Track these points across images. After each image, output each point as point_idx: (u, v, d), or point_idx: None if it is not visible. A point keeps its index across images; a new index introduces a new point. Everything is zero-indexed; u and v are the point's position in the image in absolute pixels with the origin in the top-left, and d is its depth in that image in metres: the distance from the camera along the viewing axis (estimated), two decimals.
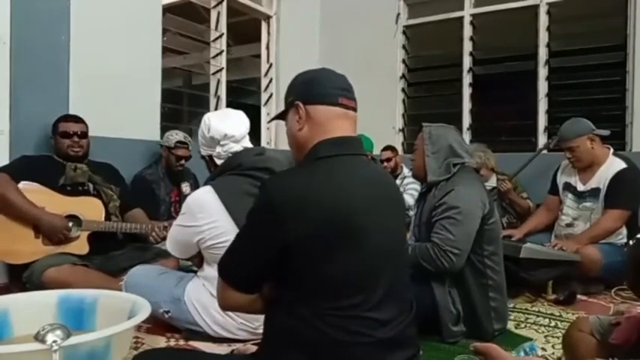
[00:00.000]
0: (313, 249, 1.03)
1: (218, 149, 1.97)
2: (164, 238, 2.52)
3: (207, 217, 1.87)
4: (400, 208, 1.28)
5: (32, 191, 2.46)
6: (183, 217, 1.94)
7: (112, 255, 2.64)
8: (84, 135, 2.70)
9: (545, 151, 3.83)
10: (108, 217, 2.63)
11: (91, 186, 2.67)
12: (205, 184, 1.97)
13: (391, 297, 1.10)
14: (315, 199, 1.04)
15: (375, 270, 1.09)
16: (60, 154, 2.66)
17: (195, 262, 2.09)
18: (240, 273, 1.11)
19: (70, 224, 2.49)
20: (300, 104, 1.16)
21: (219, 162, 2.00)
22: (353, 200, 1.07)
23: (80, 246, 2.50)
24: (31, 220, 2.41)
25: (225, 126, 1.96)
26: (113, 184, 2.77)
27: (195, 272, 2.08)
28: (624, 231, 2.89)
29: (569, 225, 3.04)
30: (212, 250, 1.89)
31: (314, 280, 1.04)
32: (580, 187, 3.01)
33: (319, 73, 1.21)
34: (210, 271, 1.94)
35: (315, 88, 1.17)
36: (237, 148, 1.98)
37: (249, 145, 2.03)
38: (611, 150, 2.98)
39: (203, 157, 2.07)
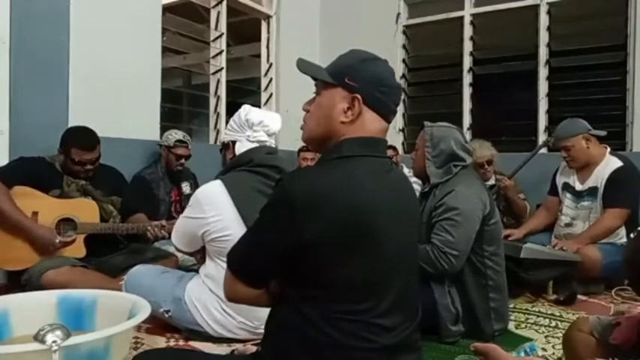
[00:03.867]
0: (328, 251, 1.00)
1: (249, 133, 2.00)
2: (163, 237, 2.53)
3: (213, 210, 1.89)
4: (416, 216, 1.26)
5: (25, 195, 2.40)
6: (190, 208, 1.97)
7: (110, 256, 2.63)
8: (96, 160, 2.59)
9: (544, 150, 3.83)
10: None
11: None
12: (216, 178, 1.99)
13: (400, 304, 1.08)
14: (335, 200, 1.00)
15: (387, 277, 1.07)
16: (66, 171, 2.55)
17: (198, 258, 2.10)
18: (249, 267, 1.09)
19: (58, 239, 2.39)
20: (360, 100, 1.08)
21: (239, 151, 2.00)
22: (373, 206, 1.04)
23: (77, 250, 2.46)
24: (21, 229, 2.34)
25: (264, 115, 2.04)
26: (115, 194, 2.70)
27: (196, 271, 2.09)
28: (624, 230, 2.89)
29: (568, 225, 3.05)
30: (216, 242, 1.91)
31: (324, 282, 1.02)
32: (578, 187, 3.02)
33: (389, 78, 1.13)
34: (212, 267, 1.96)
35: (382, 95, 1.10)
36: (264, 139, 2.01)
37: (273, 144, 2.07)
38: (608, 149, 2.99)
39: (224, 145, 2.10)
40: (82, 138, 2.54)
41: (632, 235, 1.21)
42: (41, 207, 2.44)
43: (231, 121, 2.08)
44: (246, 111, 2.04)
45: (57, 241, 2.38)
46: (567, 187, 3.09)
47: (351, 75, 1.10)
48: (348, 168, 1.06)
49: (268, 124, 2.02)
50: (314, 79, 1.16)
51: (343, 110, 1.09)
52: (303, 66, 1.17)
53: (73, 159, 2.51)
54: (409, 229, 1.17)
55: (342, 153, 1.08)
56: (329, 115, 1.11)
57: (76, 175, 2.56)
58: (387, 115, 1.13)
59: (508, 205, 3.55)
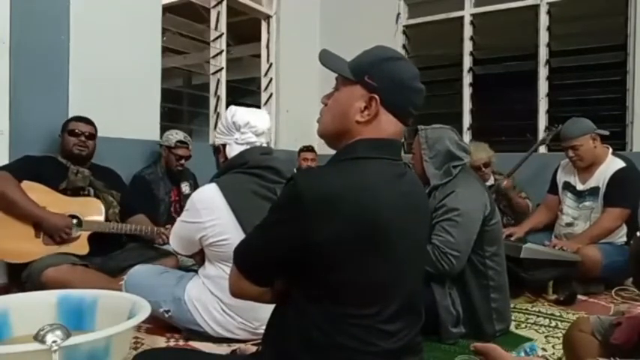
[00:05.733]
0: (336, 253, 0.99)
1: (237, 135, 1.98)
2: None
3: (210, 214, 1.88)
4: (426, 222, 1.25)
5: (33, 190, 2.45)
6: (186, 213, 1.96)
7: (111, 255, 2.63)
8: (92, 137, 2.72)
9: (544, 150, 3.82)
10: None
11: (91, 191, 2.66)
12: (211, 181, 1.97)
13: (405, 310, 1.07)
14: (346, 202, 0.98)
15: (396, 281, 1.06)
16: (65, 152, 2.66)
17: (197, 259, 2.10)
18: (255, 265, 1.08)
19: (74, 221, 2.49)
20: (378, 100, 1.05)
21: (230, 154, 1.99)
22: (384, 209, 1.02)
23: (80, 246, 2.49)
24: (33, 219, 2.40)
25: (250, 116, 2.00)
26: (114, 190, 2.76)
27: (196, 272, 2.09)
28: (624, 230, 2.90)
29: (569, 224, 3.05)
30: (213, 247, 1.90)
31: (330, 284, 1.01)
32: (579, 187, 3.02)
33: (412, 80, 1.09)
34: (212, 269, 1.96)
35: (402, 97, 1.08)
36: (254, 140, 1.99)
37: (265, 144, 2.05)
38: (610, 149, 3.00)
39: (215, 149, 2.09)
40: (79, 116, 2.78)
41: (638, 234, 1.21)
42: (48, 203, 2.48)
43: (219, 124, 2.07)
44: (232, 113, 2.01)
45: (73, 221, 2.47)
46: (568, 186, 3.09)
47: (372, 73, 1.07)
48: (361, 170, 1.04)
49: (255, 125, 1.99)
50: (341, 76, 1.13)
51: (360, 109, 1.06)
52: (325, 58, 1.13)
53: (71, 130, 2.67)
54: (420, 233, 1.15)
55: (355, 154, 1.06)
56: (345, 112, 1.08)
57: (73, 152, 2.64)
58: (405, 118, 1.10)
59: (509, 204, 3.54)
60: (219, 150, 2.07)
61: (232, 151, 1.99)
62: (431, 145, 2.13)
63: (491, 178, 3.62)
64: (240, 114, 2.00)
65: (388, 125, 1.08)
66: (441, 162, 2.12)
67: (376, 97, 1.05)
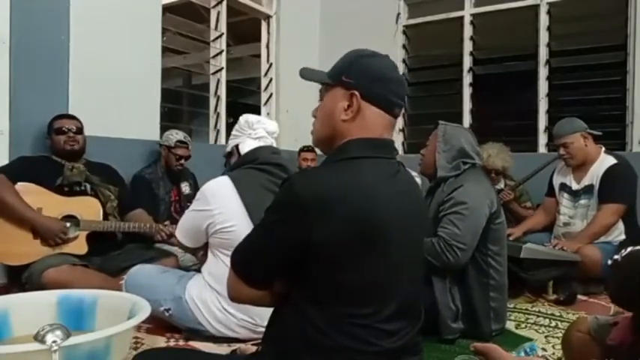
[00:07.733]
0: (333, 254, 0.99)
1: (249, 131, 2.10)
2: (170, 235, 2.54)
3: (218, 202, 1.94)
4: (424, 220, 1.26)
5: (29, 192, 2.44)
6: (196, 202, 2.03)
7: (111, 255, 2.63)
8: (79, 131, 2.71)
9: (544, 150, 3.82)
10: (106, 218, 2.63)
11: (88, 186, 2.66)
12: (222, 175, 2.04)
13: (404, 308, 1.07)
14: (343, 202, 0.98)
15: (394, 281, 1.06)
16: (57, 151, 2.66)
17: (199, 255, 2.12)
18: (253, 268, 1.08)
19: (68, 224, 2.47)
20: (358, 95, 1.08)
21: (243, 150, 2.09)
22: (381, 209, 1.02)
23: (79, 246, 2.49)
24: (27, 223, 2.39)
25: (260, 117, 2.18)
26: (112, 185, 2.76)
27: (197, 271, 2.10)
28: (622, 229, 2.91)
29: (566, 224, 3.07)
30: (220, 234, 1.94)
31: (329, 285, 1.01)
32: (574, 186, 3.06)
33: (388, 70, 1.12)
34: (213, 263, 1.98)
35: (380, 88, 1.10)
36: (264, 134, 2.10)
37: (274, 144, 2.16)
38: (603, 148, 3.03)
39: (228, 153, 2.19)
40: (61, 114, 2.78)
41: (609, 262, 1.20)
42: (45, 203, 2.47)
43: (232, 132, 2.19)
44: (244, 116, 2.17)
45: (67, 225, 2.46)
46: (564, 187, 3.12)
47: (348, 72, 1.10)
48: (356, 169, 1.05)
49: (265, 123, 2.13)
50: (321, 84, 1.17)
51: (343, 108, 1.09)
52: (306, 74, 1.18)
53: (57, 129, 2.67)
54: (417, 233, 1.15)
55: (348, 154, 1.07)
56: (331, 114, 1.11)
57: (65, 149, 2.64)
58: (391, 109, 1.11)
59: (512, 215, 3.53)
60: (231, 153, 2.15)
61: (246, 146, 2.09)
62: (447, 140, 2.18)
63: (502, 182, 3.60)
64: (252, 116, 2.16)
65: (374, 118, 1.10)
66: (453, 157, 2.16)
67: (356, 92, 1.08)
